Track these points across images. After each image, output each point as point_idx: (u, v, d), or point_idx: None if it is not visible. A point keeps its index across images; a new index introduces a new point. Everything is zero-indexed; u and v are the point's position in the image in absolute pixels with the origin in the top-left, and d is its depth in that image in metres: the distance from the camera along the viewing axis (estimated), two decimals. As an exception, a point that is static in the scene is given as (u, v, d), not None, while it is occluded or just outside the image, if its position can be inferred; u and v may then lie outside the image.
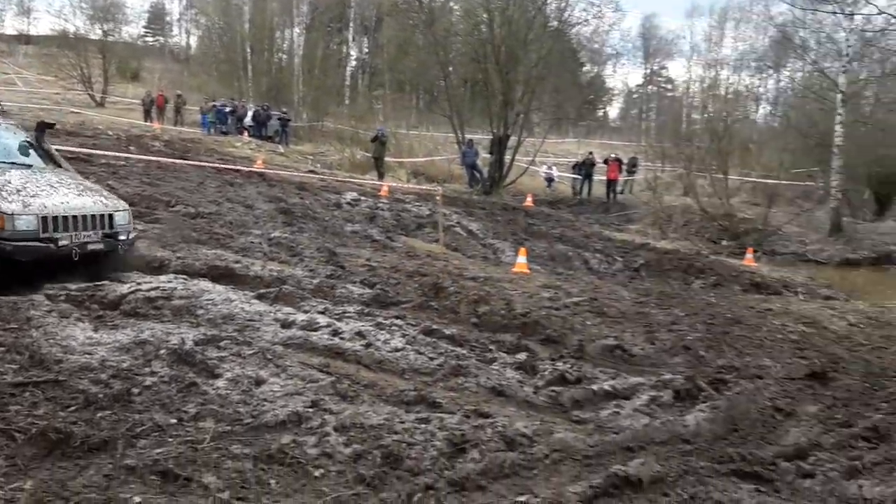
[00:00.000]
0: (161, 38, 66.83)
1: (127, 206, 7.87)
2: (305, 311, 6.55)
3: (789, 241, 19.97)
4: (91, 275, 7.22)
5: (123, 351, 5.04)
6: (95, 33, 43.66)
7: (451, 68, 27.73)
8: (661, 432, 4.48)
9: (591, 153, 29.66)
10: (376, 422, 4.19)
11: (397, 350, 5.75)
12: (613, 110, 73.40)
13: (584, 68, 52.29)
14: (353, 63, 54.92)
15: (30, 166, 7.85)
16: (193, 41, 62.69)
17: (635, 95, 72.71)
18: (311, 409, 4.30)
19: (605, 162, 27.78)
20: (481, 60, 24.45)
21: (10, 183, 7.15)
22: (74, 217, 7.11)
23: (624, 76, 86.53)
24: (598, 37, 40.30)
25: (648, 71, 69.64)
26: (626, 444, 4.24)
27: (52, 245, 6.87)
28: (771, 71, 58.53)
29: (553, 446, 4.09)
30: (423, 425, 4.20)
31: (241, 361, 5.05)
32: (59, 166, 8.37)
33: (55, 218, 6.94)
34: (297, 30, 46.76)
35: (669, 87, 71.13)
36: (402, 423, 4.23)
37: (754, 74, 63.25)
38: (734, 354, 6.26)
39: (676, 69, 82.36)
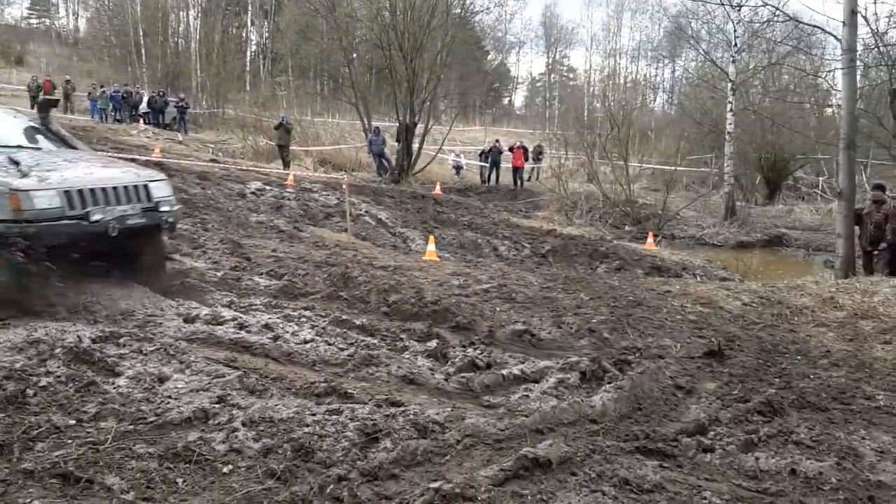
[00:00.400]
0: (46, 21, 63.31)
1: (164, 176, 6.90)
2: (210, 305, 6.36)
3: (687, 226, 20.80)
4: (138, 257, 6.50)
5: (16, 351, 4.77)
6: (-26, 14, 41.05)
7: (354, 54, 27.44)
8: (568, 413, 4.57)
9: (497, 141, 29.99)
10: (286, 415, 4.12)
11: (306, 342, 5.66)
12: (518, 98, 74.56)
13: (489, 56, 52.81)
14: (254, 48, 53.61)
15: (39, 149, 6.79)
16: (82, 24, 59.73)
17: (539, 84, 73.95)
18: (217, 405, 4.19)
19: (511, 150, 28.17)
20: (385, 47, 24.28)
21: (21, 160, 6.08)
22: (104, 189, 6.05)
23: (527, 65, 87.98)
24: (500, 25, 40.84)
25: (550, 60, 70.94)
26: (536, 427, 4.31)
27: (83, 221, 5.82)
28: (666, 61, 60.72)
29: (465, 432, 4.11)
30: (334, 417, 4.16)
31: (142, 358, 4.87)
32: (75, 149, 7.28)
33: (81, 192, 5.88)
34: (192, 13, 45.31)
35: (571, 75, 72.78)
36: (313, 415, 4.17)
37: (651, 64, 65.55)
38: (637, 335, 6.45)
39: (577, 58, 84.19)
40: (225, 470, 3.53)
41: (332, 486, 3.44)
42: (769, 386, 5.26)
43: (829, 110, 26.52)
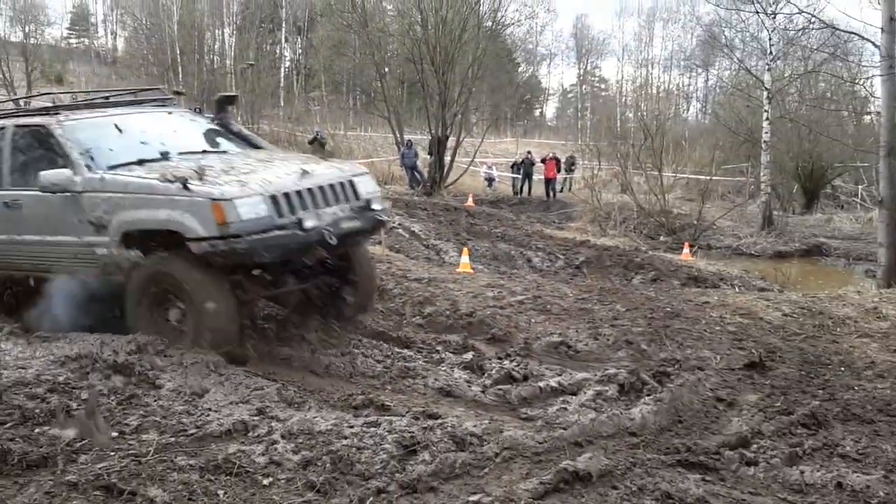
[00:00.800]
0: (86, 40, 64.75)
1: (367, 170, 6.28)
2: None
3: (724, 236, 20.53)
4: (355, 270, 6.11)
5: (58, 364, 4.86)
6: (16, 35, 42.17)
7: (387, 69, 27.67)
8: (607, 426, 4.52)
9: (529, 152, 29.98)
10: (325, 427, 4.13)
11: (343, 354, 5.69)
12: (549, 110, 74.44)
13: (520, 68, 52.86)
14: (288, 64, 54.25)
15: (224, 152, 6.37)
16: (120, 43, 61.01)
17: (570, 95, 73.74)
18: (257, 417, 4.23)
19: (543, 161, 28.13)
20: (417, 61, 24.46)
21: (211, 167, 5.52)
22: (310, 190, 5.40)
23: (559, 76, 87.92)
24: (531, 37, 40.91)
25: (582, 71, 70.73)
26: (575, 440, 4.26)
27: (297, 231, 5.17)
28: (700, 70, 60.20)
29: (503, 444, 4.08)
30: (372, 429, 4.16)
31: (182, 371, 4.92)
32: (261, 148, 6.78)
33: (287, 195, 5.23)
34: (227, 30, 46.08)
35: (603, 86, 72.47)
36: (351, 427, 4.18)
37: (684, 73, 65.02)
38: (675, 347, 6.37)
39: (609, 69, 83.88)
40: (265, 482, 3.55)
41: (371, 499, 3.44)
42: (812, 398, 5.16)
43: (868, 117, 26.07)
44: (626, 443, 4.30)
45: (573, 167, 31.70)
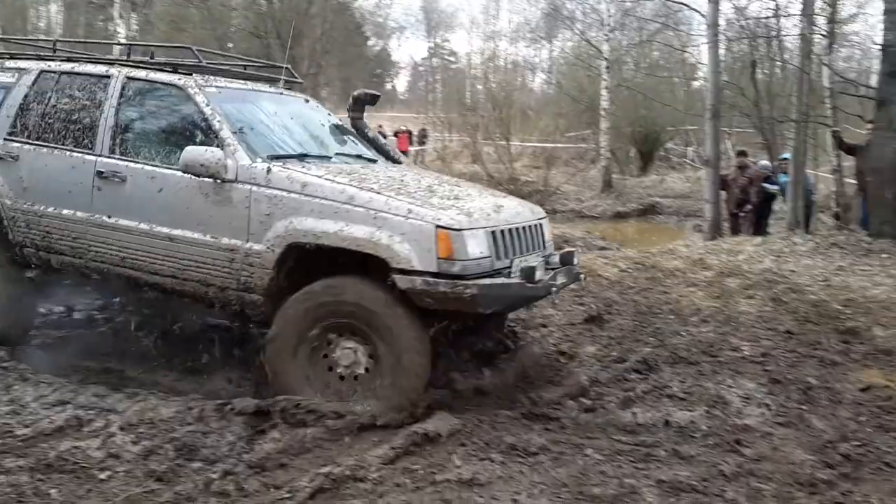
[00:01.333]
0: None
1: (545, 213, 5.24)
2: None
3: (568, 200, 21.42)
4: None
5: None
6: None
7: (230, 45, 26.65)
8: (460, 389, 4.65)
9: (381, 126, 29.87)
10: (167, 415, 4.00)
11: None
12: (401, 83, 74.39)
13: (370, 42, 52.39)
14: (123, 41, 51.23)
15: (374, 161, 5.31)
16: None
17: (421, 68, 73.97)
18: (92, 412, 4.03)
19: (395, 134, 28.17)
20: (263, 35, 23.72)
21: (402, 181, 4.56)
22: (519, 230, 4.46)
23: (409, 49, 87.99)
24: (381, 10, 40.60)
25: (432, 44, 71.10)
26: (427, 404, 4.33)
27: (526, 282, 4.16)
28: (544, 42, 61.96)
29: (355, 416, 4.10)
30: (218, 412, 4.06)
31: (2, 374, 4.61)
32: (399, 163, 5.76)
33: (503, 233, 4.28)
34: (54, 7, 42.80)
35: (453, 59, 73.14)
36: (196, 412, 4.06)
37: (529, 45, 66.69)
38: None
39: (458, 42, 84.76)
40: (102, 476, 3.41)
41: (217, 482, 3.38)
42: (644, 345, 5.53)
43: (697, 83, 27.84)
44: (476, 402, 4.44)
45: (425, 139, 31.96)
